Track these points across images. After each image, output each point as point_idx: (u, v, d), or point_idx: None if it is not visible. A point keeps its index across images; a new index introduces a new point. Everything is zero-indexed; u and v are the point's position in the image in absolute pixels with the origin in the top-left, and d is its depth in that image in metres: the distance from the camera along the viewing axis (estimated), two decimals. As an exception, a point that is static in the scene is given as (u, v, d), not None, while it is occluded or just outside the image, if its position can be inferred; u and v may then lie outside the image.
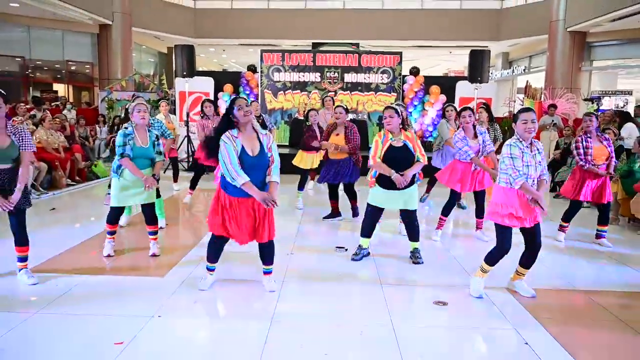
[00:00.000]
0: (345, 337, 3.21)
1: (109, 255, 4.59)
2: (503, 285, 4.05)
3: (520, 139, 3.65)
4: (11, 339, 3.04)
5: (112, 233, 4.64)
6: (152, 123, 4.48)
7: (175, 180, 8.26)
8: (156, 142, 4.54)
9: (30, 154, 3.92)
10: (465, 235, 5.81)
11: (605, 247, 5.29)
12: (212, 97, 10.72)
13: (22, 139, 3.81)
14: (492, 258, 3.80)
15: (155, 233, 4.70)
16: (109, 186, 5.36)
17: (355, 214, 6.30)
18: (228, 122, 3.57)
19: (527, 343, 3.14)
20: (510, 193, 3.67)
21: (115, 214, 4.62)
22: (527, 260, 3.85)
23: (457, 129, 6.46)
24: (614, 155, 5.23)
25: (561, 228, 5.49)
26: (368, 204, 4.69)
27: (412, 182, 4.49)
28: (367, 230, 4.75)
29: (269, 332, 3.21)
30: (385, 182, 4.48)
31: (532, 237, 3.77)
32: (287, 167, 7.52)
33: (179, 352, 2.99)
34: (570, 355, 2.97)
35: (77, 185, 8.47)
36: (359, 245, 4.78)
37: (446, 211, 5.55)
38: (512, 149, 3.62)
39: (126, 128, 4.48)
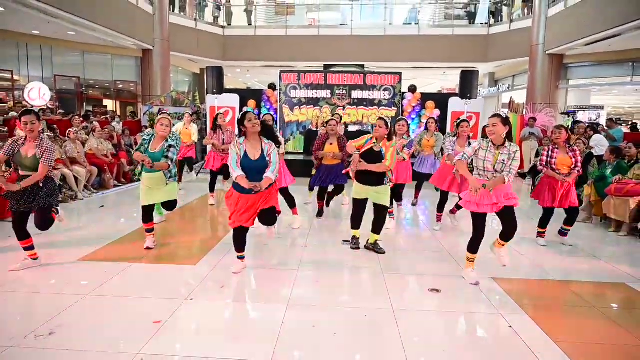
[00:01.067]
0: (351, 319, 3.20)
1: (148, 248, 4.60)
2: (489, 275, 4.02)
3: (489, 140, 3.78)
4: (66, 317, 3.07)
5: (149, 230, 4.66)
6: (169, 136, 4.50)
7: (179, 180, 8.18)
8: (166, 150, 4.44)
9: (45, 167, 3.80)
10: (456, 230, 5.74)
11: (567, 244, 5.10)
12: (237, 111, 10.78)
13: (44, 152, 3.81)
14: (472, 246, 3.89)
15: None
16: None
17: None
18: (239, 131, 3.82)
19: (510, 326, 3.10)
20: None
21: (145, 213, 4.60)
22: (503, 235, 3.86)
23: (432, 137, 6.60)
24: (579, 166, 4.90)
25: (539, 234, 5.21)
26: (353, 199, 4.73)
27: (382, 182, 4.54)
28: (355, 222, 4.79)
29: (286, 314, 3.20)
30: (361, 178, 4.58)
31: (505, 220, 3.80)
32: (301, 171, 7.55)
33: (209, 329, 3.00)
34: (549, 337, 2.94)
35: (123, 186, 8.55)
36: (353, 236, 4.83)
37: (440, 208, 5.82)
38: (474, 143, 3.90)
39: (148, 134, 4.54)
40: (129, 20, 13.19)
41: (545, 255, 4.81)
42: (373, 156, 4.49)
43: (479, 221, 3.82)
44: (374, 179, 4.52)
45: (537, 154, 9.49)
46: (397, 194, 5.95)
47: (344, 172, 5.09)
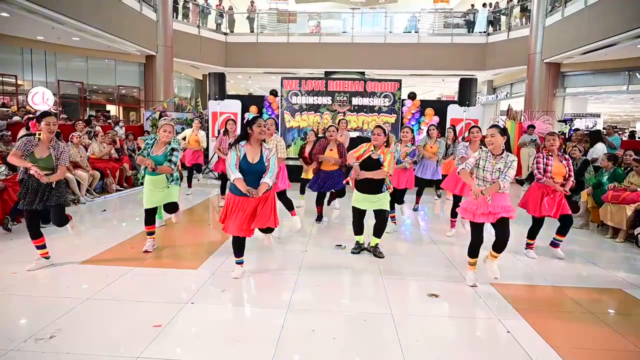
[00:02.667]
0: (351, 323, 3.19)
1: (146, 251, 4.58)
2: (488, 280, 4.01)
3: (488, 150, 3.85)
4: (67, 321, 3.06)
5: (150, 233, 4.67)
6: (172, 140, 4.52)
7: (189, 185, 8.30)
8: (169, 153, 4.45)
9: (64, 168, 4.00)
10: (455, 236, 5.73)
11: (559, 257, 4.82)
12: (239, 117, 10.81)
13: (61, 154, 3.97)
14: (471, 250, 3.96)
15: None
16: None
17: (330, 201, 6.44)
18: (245, 134, 3.79)
19: (509, 332, 3.09)
20: (469, 196, 3.92)
21: (147, 217, 4.61)
22: (496, 246, 3.88)
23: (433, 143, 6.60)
24: (572, 175, 4.73)
25: (528, 246, 4.95)
26: (352, 207, 4.74)
27: (381, 189, 4.57)
28: (356, 229, 4.82)
29: (286, 318, 3.19)
30: (361, 187, 4.59)
31: (498, 231, 3.84)
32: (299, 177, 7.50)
33: (209, 334, 2.98)
34: (547, 343, 2.92)
35: (125, 191, 8.54)
36: (356, 242, 4.84)
37: (453, 213, 5.73)
38: (476, 153, 3.93)
39: (151, 139, 4.54)
40: (133, 26, 13.25)
41: (542, 261, 4.80)
42: (371, 164, 4.52)
43: (476, 229, 3.90)
44: (373, 187, 4.54)
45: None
46: (398, 198, 5.92)
47: (344, 181, 5.11)
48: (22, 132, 6.44)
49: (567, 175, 4.71)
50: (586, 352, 2.89)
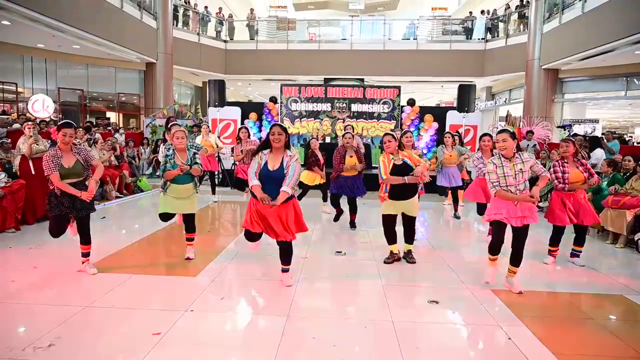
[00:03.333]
0: (351, 330, 3.17)
1: (188, 258, 4.63)
2: (488, 287, 3.99)
3: (499, 155, 3.90)
4: (66, 329, 3.04)
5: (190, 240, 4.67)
6: (190, 145, 4.51)
7: (213, 192, 8.32)
8: (192, 158, 4.47)
9: (97, 161, 4.12)
10: (457, 242, 5.72)
11: (579, 265, 4.80)
12: (239, 124, 10.82)
13: (86, 156, 4.04)
14: (491, 247, 4.06)
15: (192, 240, 4.66)
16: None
17: (353, 226, 6.27)
18: (266, 142, 3.79)
19: (510, 338, 3.07)
20: (496, 200, 3.96)
21: (163, 219, 4.59)
22: (512, 259, 3.93)
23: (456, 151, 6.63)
24: (594, 174, 4.67)
25: (550, 253, 4.90)
26: (382, 216, 4.67)
27: (415, 193, 4.57)
28: (389, 238, 4.75)
29: (286, 325, 3.17)
30: (395, 195, 4.54)
31: (517, 238, 3.88)
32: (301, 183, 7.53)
33: (209, 342, 2.96)
34: (548, 349, 2.90)
35: (124, 198, 8.54)
36: (390, 252, 4.77)
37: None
38: (488, 166, 3.94)
39: (168, 149, 4.44)
40: (133, 34, 13.31)
41: (543, 267, 4.78)
42: (401, 169, 4.48)
43: (500, 230, 3.96)
44: (408, 192, 4.53)
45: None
46: None
47: (381, 200, 4.94)
48: (22, 139, 6.43)
49: (584, 181, 4.66)
50: (588, 358, 2.87)
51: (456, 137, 7.47)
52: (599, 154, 8.14)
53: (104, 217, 6.79)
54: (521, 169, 3.83)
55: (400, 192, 4.52)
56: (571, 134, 10.99)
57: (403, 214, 4.64)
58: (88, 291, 3.71)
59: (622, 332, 3.25)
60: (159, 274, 4.23)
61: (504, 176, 3.85)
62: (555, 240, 4.86)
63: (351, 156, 6.05)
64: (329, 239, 5.79)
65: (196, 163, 4.48)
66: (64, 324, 3.10)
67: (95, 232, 5.78)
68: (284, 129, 3.76)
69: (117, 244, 5.14)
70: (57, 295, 3.65)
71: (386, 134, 4.61)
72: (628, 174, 6.17)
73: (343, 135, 6.14)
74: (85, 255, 4.15)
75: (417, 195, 4.63)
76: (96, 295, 3.60)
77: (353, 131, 7.89)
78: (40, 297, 3.61)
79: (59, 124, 4.16)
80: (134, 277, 4.07)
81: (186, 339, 2.97)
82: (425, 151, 10.81)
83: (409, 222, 4.68)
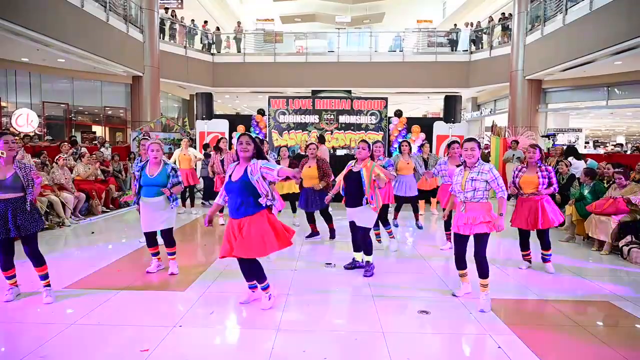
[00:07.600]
0: (342, 342, 3.16)
1: (148, 272, 4.62)
2: (477, 296, 4.02)
3: (464, 162, 3.87)
4: (51, 347, 2.98)
5: (155, 254, 4.68)
6: (165, 163, 4.47)
7: (192, 205, 8.33)
8: (172, 175, 4.39)
9: (37, 186, 3.74)
10: (445, 251, 5.75)
11: (550, 272, 4.84)
12: (227, 137, 10.82)
13: (27, 175, 3.64)
14: (455, 261, 4.04)
15: (173, 254, 4.63)
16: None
17: (332, 236, 6.28)
18: (237, 154, 3.61)
19: (499, 347, 3.09)
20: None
21: (148, 240, 4.62)
22: (477, 270, 3.79)
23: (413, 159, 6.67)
24: (554, 184, 4.75)
25: (524, 258, 5.05)
26: (349, 222, 4.79)
27: (360, 203, 4.55)
28: (355, 246, 4.87)
29: (276, 339, 3.16)
30: (346, 201, 4.71)
31: (475, 247, 3.79)
32: (285, 195, 7.53)
33: (198, 357, 2.93)
34: (537, 357, 2.93)
35: (110, 212, 8.44)
36: (352, 258, 4.90)
37: (447, 226, 5.76)
38: (458, 170, 3.97)
39: (137, 165, 4.53)
40: (120, 47, 13.27)
41: (530, 275, 4.84)
42: (351, 176, 4.62)
43: (458, 241, 3.95)
44: (354, 200, 4.59)
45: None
46: (380, 216, 5.83)
47: (326, 200, 5.16)
48: None
49: (539, 186, 4.73)
50: (576, 365, 2.90)
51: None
52: (578, 164, 8.36)
53: (93, 232, 6.71)
54: (472, 178, 3.75)
55: (348, 199, 4.67)
56: (555, 143, 11.20)
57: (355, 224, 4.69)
58: (74, 308, 3.65)
59: (609, 338, 3.30)
60: (146, 289, 4.18)
61: (457, 183, 3.89)
62: (523, 244, 5.03)
63: (310, 166, 5.97)
64: (318, 251, 5.79)
65: (179, 182, 4.46)
66: (50, 342, 3.04)
67: (81, 248, 5.74)
68: (253, 139, 3.54)
69: (103, 260, 5.08)
70: (41, 312, 3.58)
71: (364, 140, 4.68)
72: (612, 181, 6.30)
73: (307, 146, 6.11)
74: (44, 277, 3.78)
75: (368, 206, 4.51)
76: (82, 313, 3.54)
77: (323, 142, 7.81)
78: (25, 315, 3.53)
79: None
80: (121, 293, 4.02)
81: (175, 355, 2.93)
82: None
83: (357, 232, 4.69)
